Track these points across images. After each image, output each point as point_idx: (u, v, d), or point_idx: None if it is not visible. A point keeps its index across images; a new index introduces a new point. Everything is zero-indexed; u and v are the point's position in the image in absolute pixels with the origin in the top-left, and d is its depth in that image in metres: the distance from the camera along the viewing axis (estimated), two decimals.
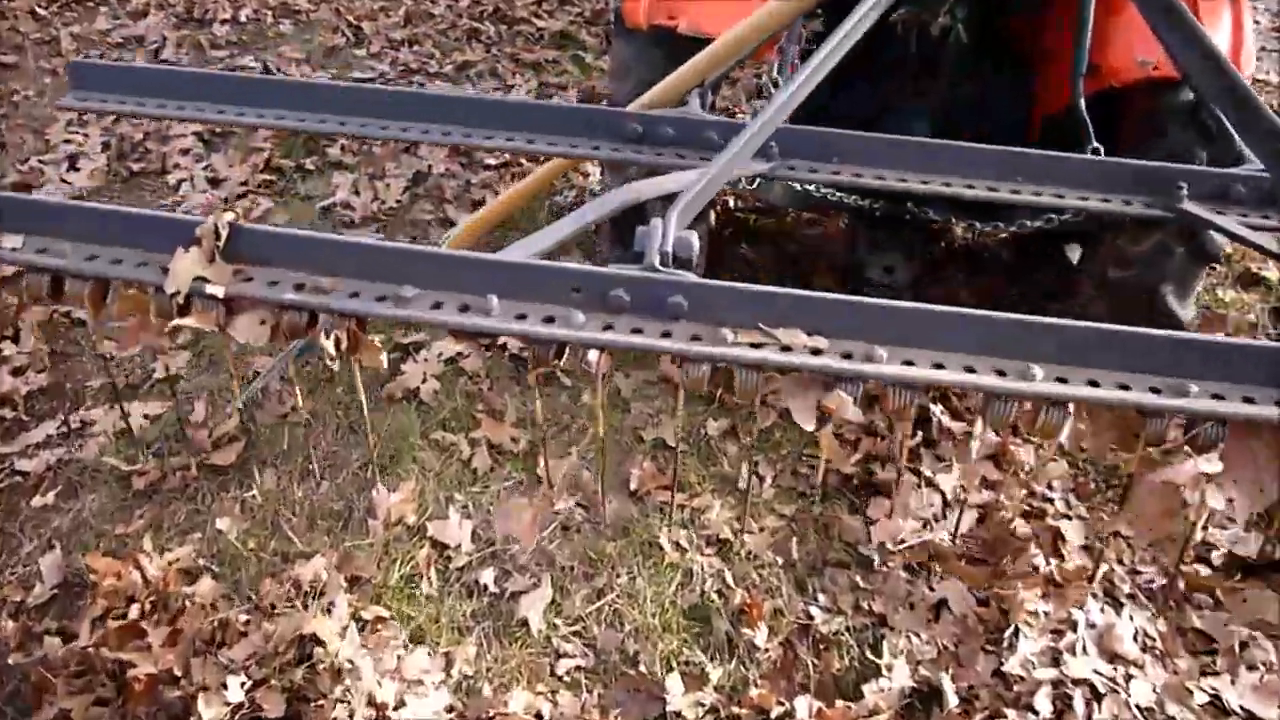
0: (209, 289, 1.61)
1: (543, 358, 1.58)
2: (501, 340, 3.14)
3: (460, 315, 1.58)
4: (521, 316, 1.59)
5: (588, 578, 2.73)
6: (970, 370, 1.52)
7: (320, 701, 2.20)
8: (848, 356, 1.53)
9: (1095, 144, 2.43)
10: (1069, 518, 2.89)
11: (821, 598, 2.71)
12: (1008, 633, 2.57)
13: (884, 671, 2.51)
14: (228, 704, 2.14)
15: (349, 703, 2.21)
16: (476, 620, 2.63)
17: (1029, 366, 1.50)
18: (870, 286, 3.07)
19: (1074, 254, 3.29)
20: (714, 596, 2.68)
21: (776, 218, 4.04)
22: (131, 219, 1.71)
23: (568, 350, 1.60)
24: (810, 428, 1.52)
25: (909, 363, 1.52)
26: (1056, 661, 2.51)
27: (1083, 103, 2.51)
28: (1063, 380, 1.50)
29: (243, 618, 2.39)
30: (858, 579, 2.74)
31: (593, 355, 1.58)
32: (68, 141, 4.65)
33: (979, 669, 2.52)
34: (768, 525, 2.86)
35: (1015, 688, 2.46)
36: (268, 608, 2.52)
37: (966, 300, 3.48)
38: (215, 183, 4.39)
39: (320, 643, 2.29)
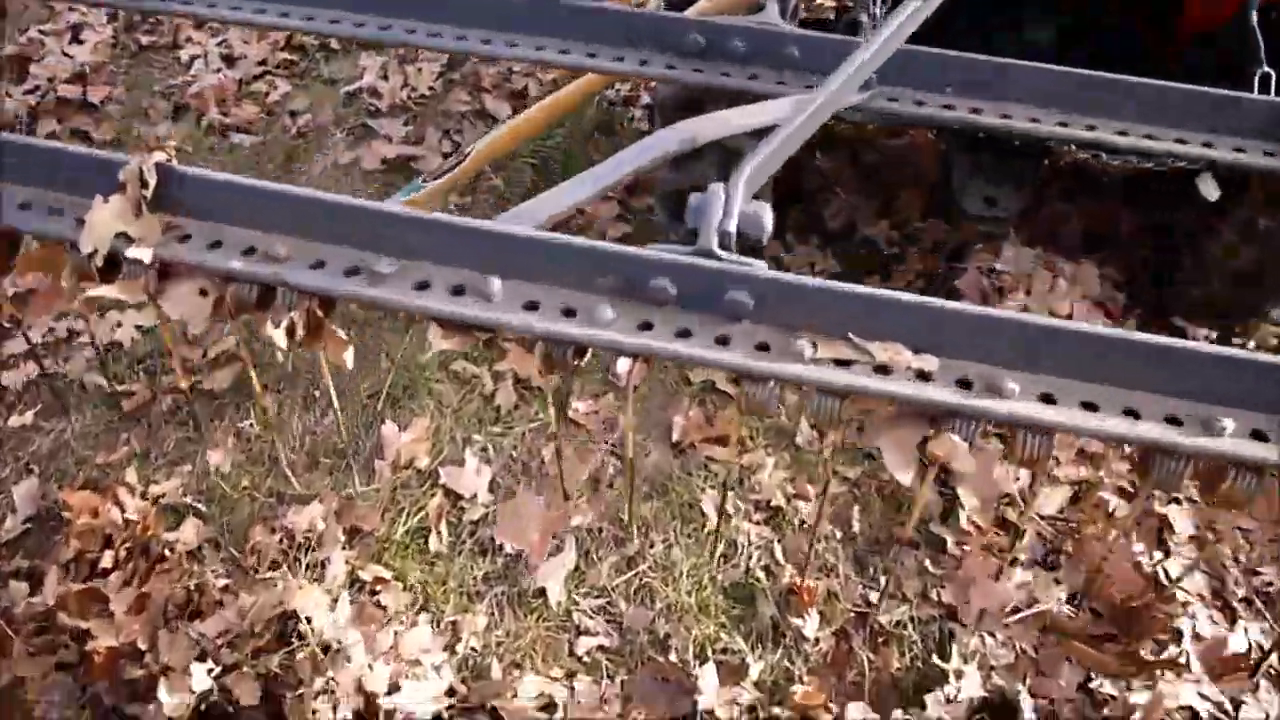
0: (133, 251, 1.24)
1: (558, 361, 1.20)
2: None
3: (451, 301, 1.21)
4: (532, 306, 1.21)
5: (618, 543, 2.40)
6: (1133, 415, 1.12)
7: (300, 690, 1.92)
8: (965, 386, 1.14)
9: (1266, 68, 1.96)
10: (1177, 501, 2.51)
11: (884, 581, 2.37)
12: None
13: (951, 677, 2.18)
14: (193, 691, 1.86)
15: (333, 692, 1.92)
16: (489, 585, 2.33)
17: (1216, 417, 1.10)
18: (966, 219, 2.63)
19: (1211, 189, 2.81)
20: (760, 574, 2.35)
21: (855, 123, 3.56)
22: (43, 154, 1.33)
23: (589, 354, 1.23)
24: (906, 479, 1.15)
25: (1048, 399, 1.13)
26: (1153, 681, 2.16)
27: (1255, 14, 2.02)
28: (1261, 437, 1.10)
29: (220, 582, 2.09)
30: (927, 562, 2.39)
31: (623, 364, 1.20)
32: (72, 9, 4.22)
33: (1063, 682, 2.18)
34: (829, 490, 2.51)
35: (1105, 710, 2.13)
36: (251, 567, 2.23)
37: (1075, 225, 3.02)
38: (230, 61, 3.95)
39: (305, 619, 2.00)
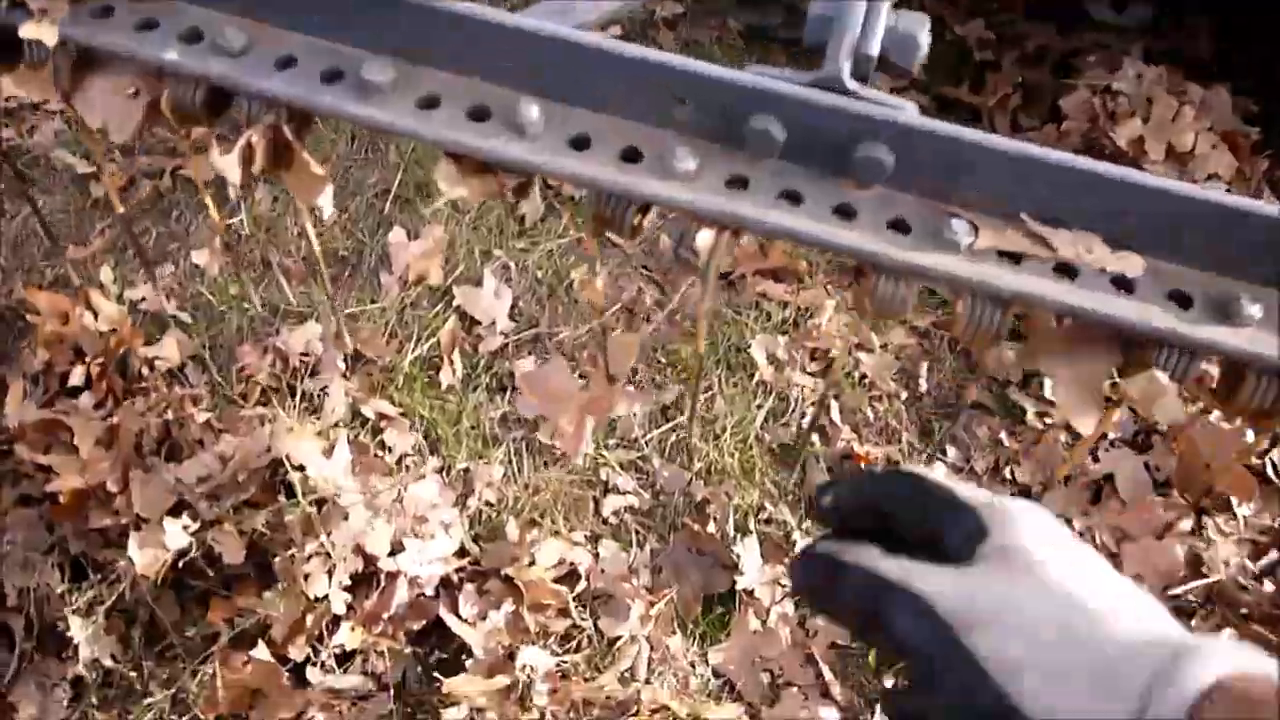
0: (30, 28, 0.89)
1: (613, 221, 0.87)
2: None
3: (470, 129, 0.86)
4: (580, 144, 0.87)
5: (654, 387, 2.12)
6: None
7: (291, 551, 1.67)
8: (1182, 302, 0.81)
9: None
10: None
11: (951, 452, 2.09)
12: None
13: None
14: (167, 548, 1.61)
15: (328, 554, 1.68)
16: (506, 428, 2.06)
17: None
18: (1083, 26, 2.19)
19: None
20: (813, 436, 2.07)
21: None
22: None
23: (652, 213, 0.89)
24: (1086, 426, 0.83)
25: None
26: None
27: None
28: None
29: (202, 416, 1.82)
30: (1002, 434, 2.10)
31: (704, 237, 0.87)
32: None
33: (1159, 576, 1.93)
34: (893, 341, 2.19)
35: (1194, 621, 1.88)
36: (239, 396, 1.95)
37: (1207, 42, 2.56)
38: None
39: (297, 468, 1.73)
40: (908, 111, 0.82)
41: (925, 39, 0.83)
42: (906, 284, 0.84)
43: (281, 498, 1.70)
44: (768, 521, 1.96)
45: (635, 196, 0.85)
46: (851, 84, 0.82)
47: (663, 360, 2.14)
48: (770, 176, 0.85)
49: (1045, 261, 0.82)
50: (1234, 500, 1.97)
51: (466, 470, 1.98)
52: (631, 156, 0.87)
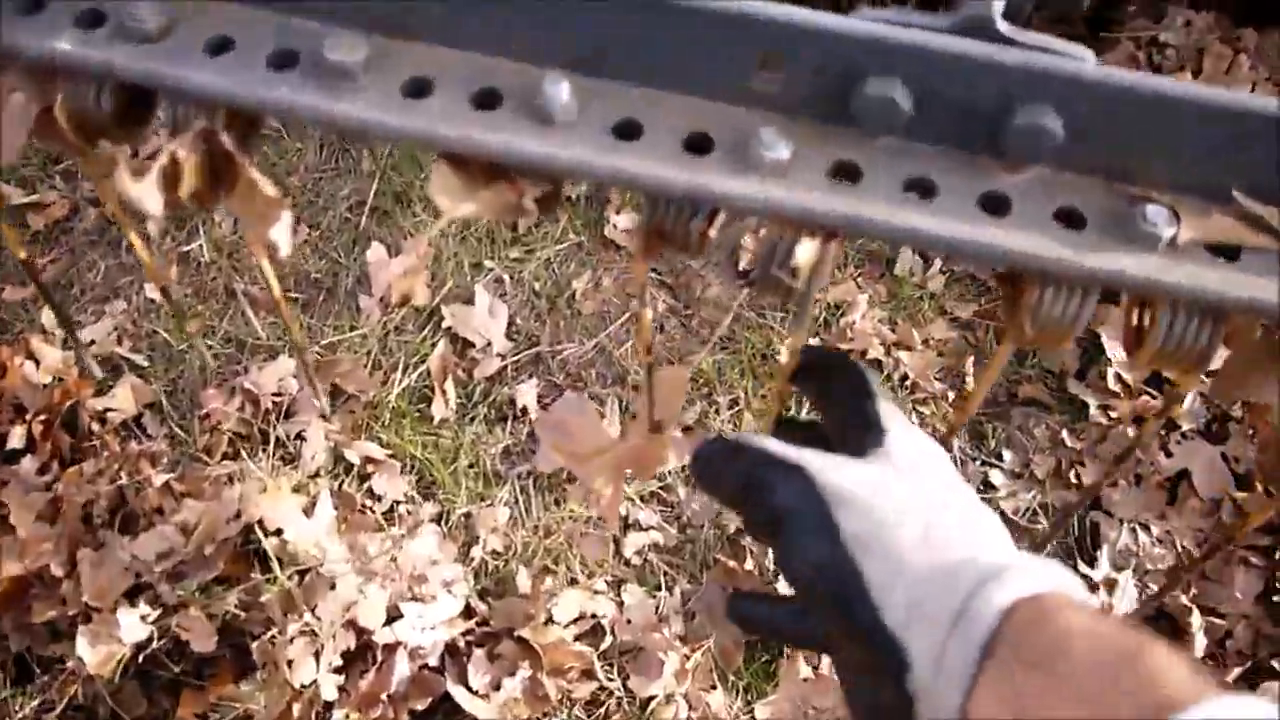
0: None
1: (673, 230, 0.65)
2: None
3: (473, 122, 0.63)
4: (627, 132, 0.64)
5: None
6: None
7: (271, 632, 1.44)
8: None
9: None
10: None
11: (1007, 457, 1.87)
12: None
13: (1101, 588, 1.72)
14: (123, 642, 1.38)
15: (315, 633, 1.45)
16: (510, 462, 1.83)
17: None
18: None
19: None
20: None
21: None
22: None
23: (722, 219, 0.67)
24: None
25: None
26: None
27: None
28: None
29: (159, 478, 1.58)
30: (1064, 433, 1.89)
31: (804, 251, 0.64)
32: None
33: (1238, 593, 1.72)
34: (934, 336, 1.98)
35: None
36: (203, 451, 1.72)
37: None
38: None
39: (273, 534, 1.50)
40: (1088, 62, 0.59)
41: None
42: (1084, 296, 0.61)
43: (256, 572, 1.47)
44: None
45: (707, 198, 0.62)
46: (1005, 27, 0.60)
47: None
48: (890, 161, 0.63)
49: (1269, 253, 0.60)
50: None
51: (468, 516, 1.75)
52: (698, 145, 0.64)
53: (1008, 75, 0.60)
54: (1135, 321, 0.66)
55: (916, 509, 0.53)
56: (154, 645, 1.39)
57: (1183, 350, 0.63)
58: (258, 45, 0.67)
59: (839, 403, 0.62)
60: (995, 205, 0.62)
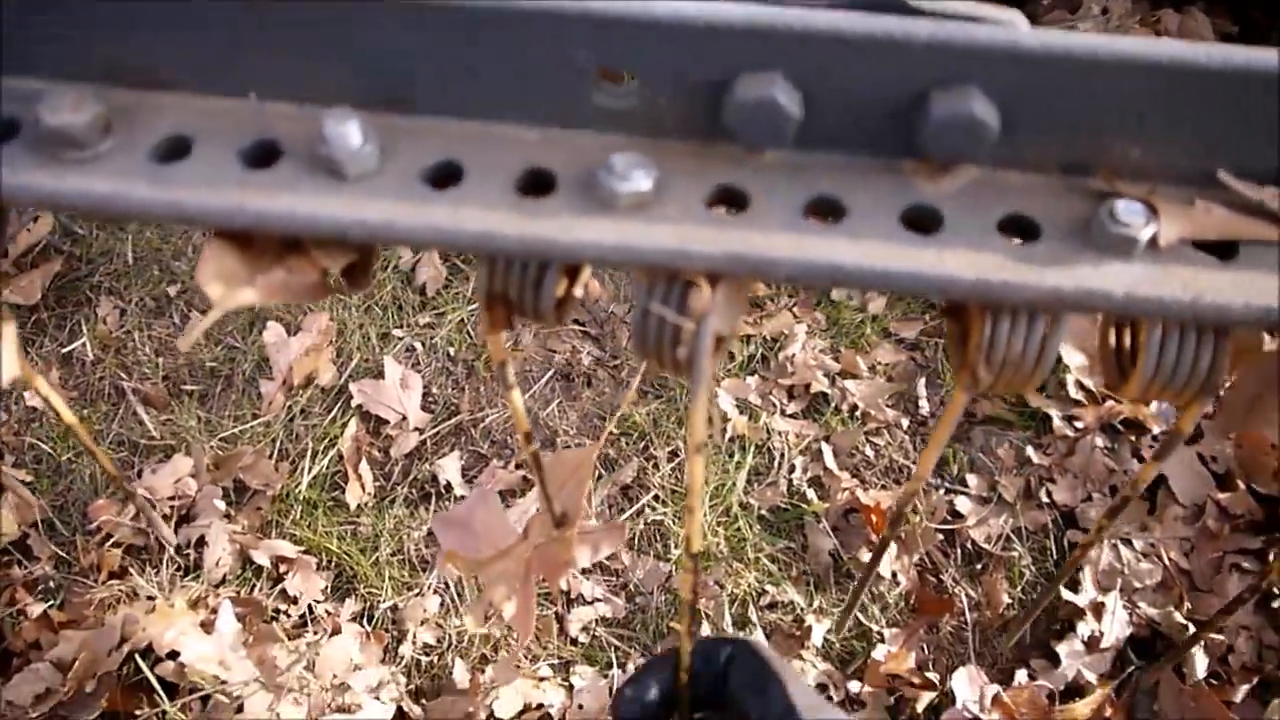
0: None
1: (519, 296, 0.51)
2: None
3: (246, 185, 0.49)
4: (443, 177, 0.50)
5: (607, 464, 1.75)
6: None
7: None
8: None
9: None
10: None
11: (973, 481, 1.74)
12: None
13: (1087, 613, 1.59)
14: None
15: None
16: (436, 546, 1.68)
17: None
18: None
19: None
20: (807, 490, 1.71)
21: None
22: None
23: (585, 273, 0.53)
24: None
25: None
26: None
27: None
28: None
29: (36, 609, 1.41)
30: (1028, 450, 1.76)
31: (698, 298, 0.51)
32: None
33: (1230, 598, 1.60)
34: (880, 361, 1.85)
35: None
36: (89, 570, 1.55)
37: None
38: None
39: (166, 657, 1.33)
40: (1017, 25, 0.47)
41: None
42: (1049, 326, 0.49)
43: (145, 706, 1.29)
44: (771, 607, 1.60)
45: (549, 250, 0.48)
46: None
47: (615, 431, 1.77)
48: (783, 180, 0.50)
49: (1274, 246, 0.48)
50: None
51: (394, 609, 1.59)
52: (536, 184, 0.50)
53: (919, 55, 0.47)
54: (1114, 345, 0.53)
55: None
56: None
57: (1180, 378, 0.50)
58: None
59: (749, 702, 0.57)
60: (923, 221, 0.49)
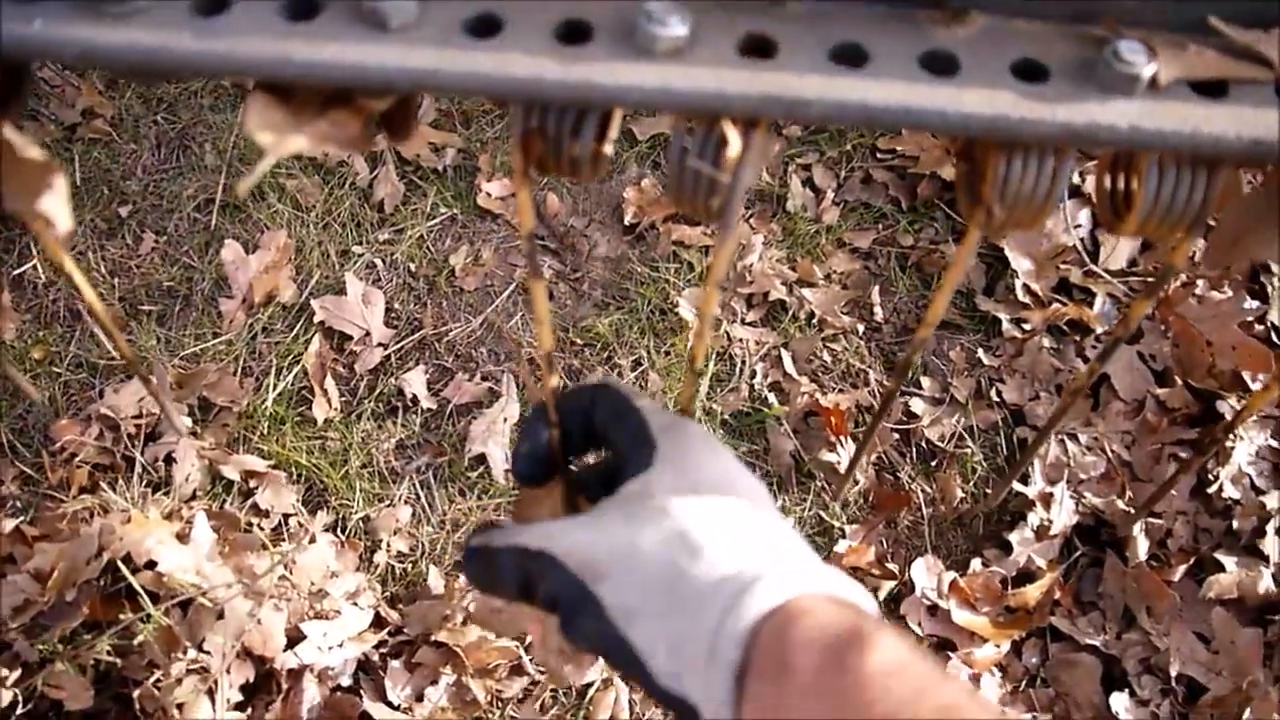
0: None
1: (557, 141, 0.53)
2: None
3: (289, 35, 0.50)
4: (483, 27, 0.51)
5: (571, 374, 1.78)
6: None
7: (156, 676, 1.29)
8: None
9: None
10: None
11: (926, 384, 1.80)
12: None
13: (1036, 504, 1.67)
14: None
15: (205, 669, 1.30)
16: (405, 456, 1.70)
17: None
18: None
19: None
20: (768, 396, 1.76)
21: None
22: None
23: (616, 121, 0.55)
24: None
25: None
26: None
27: None
28: None
29: (8, 524, 1.41)
30: (980, 351, 1.82)
31: (732, 141, 0.53)
32: None
33: (1174, 490, 1.68)
34: (835, 270, 1.89)
35: (1234, 520, 1.64)
36: (58, 485, 1.54)
37: None
38: None
39: (144, 566, 1.34)
40: None
41: None
42: (1058, 160, 0.52)
43: (128, 612, 1.31)
44: None
45: (592, 93, 0.50)
46: None
47: (578, 340, 1.79)
48: (809, 28, 0.52)
49: (1262, 85, 0.51)
50: (1246, 376, 1.74)
51: (366, 519, 1.61)
52: (574, 33, 0.52)
53: None
54: (1112, 186, 0.57)
55: (677, 538, 0.50)
56: (19, 711, 1.22)
57: (1175, 210, 0.54)
58: None
59: (611, 431, 0.59)
60: (941, 65, 0.51)
